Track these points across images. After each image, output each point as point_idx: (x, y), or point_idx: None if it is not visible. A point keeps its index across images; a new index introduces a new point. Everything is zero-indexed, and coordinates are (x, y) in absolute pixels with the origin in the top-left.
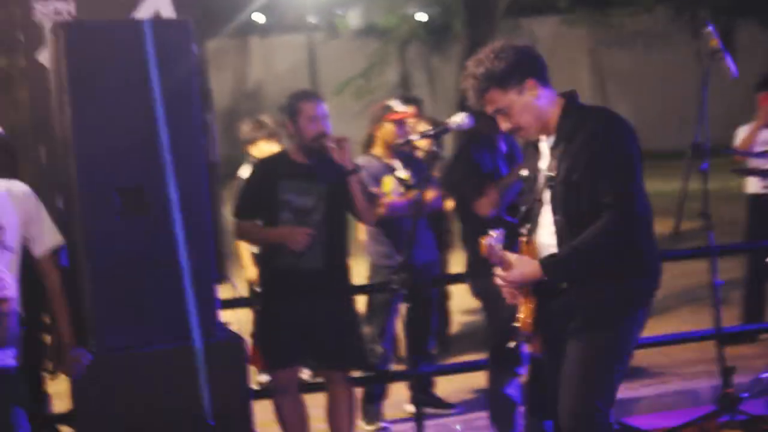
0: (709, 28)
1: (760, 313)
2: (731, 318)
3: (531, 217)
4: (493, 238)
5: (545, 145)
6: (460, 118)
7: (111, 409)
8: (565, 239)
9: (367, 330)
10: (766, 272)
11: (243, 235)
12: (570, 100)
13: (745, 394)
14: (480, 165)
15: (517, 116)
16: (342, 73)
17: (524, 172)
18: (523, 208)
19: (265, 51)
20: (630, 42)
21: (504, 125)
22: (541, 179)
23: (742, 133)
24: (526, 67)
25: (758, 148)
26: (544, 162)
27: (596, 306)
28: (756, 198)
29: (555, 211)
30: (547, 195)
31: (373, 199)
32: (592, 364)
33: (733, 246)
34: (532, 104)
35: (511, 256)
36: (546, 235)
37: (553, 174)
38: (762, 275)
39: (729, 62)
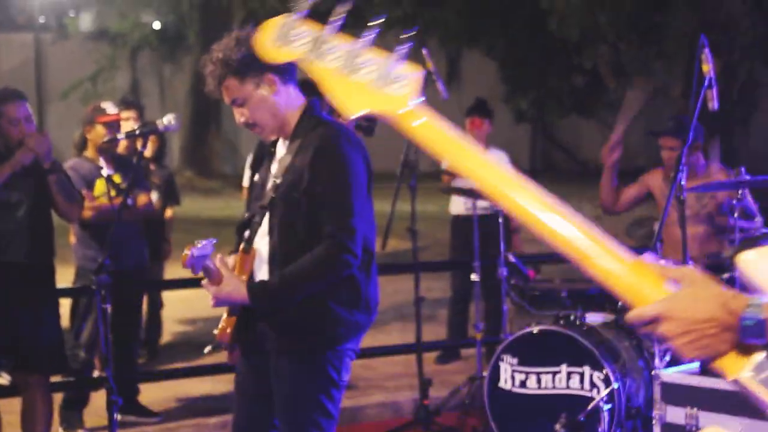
0: (424, 51)
1: (464, 330)
2: (439, 334)
3: (252, 225)
4: (196, 248)
5: (281, 148)
6: (168, 119)
7: None
8: (277, 256)
9: (69, 334)
10: (469, 291)
11: None
12: (309, 106)
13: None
14: None
15: (252, 111)
16: (71, 76)
17: (256, 176)
18: (247, 214)
19: None
20: None
21: (238, 118)
22: (270, 186)
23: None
24: None
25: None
26: (274, 167)
27: (301, 336)
28: (458, 219)
29: (271, 226)
30: (268, 204)
31: (75, 198)
32: (300, 398)
33: (436, 263)
34: (270, 100)
35: (224, 272)
36: (264, 247)
37: (279, 180)
38: (465, 294)
39: (440, 85)
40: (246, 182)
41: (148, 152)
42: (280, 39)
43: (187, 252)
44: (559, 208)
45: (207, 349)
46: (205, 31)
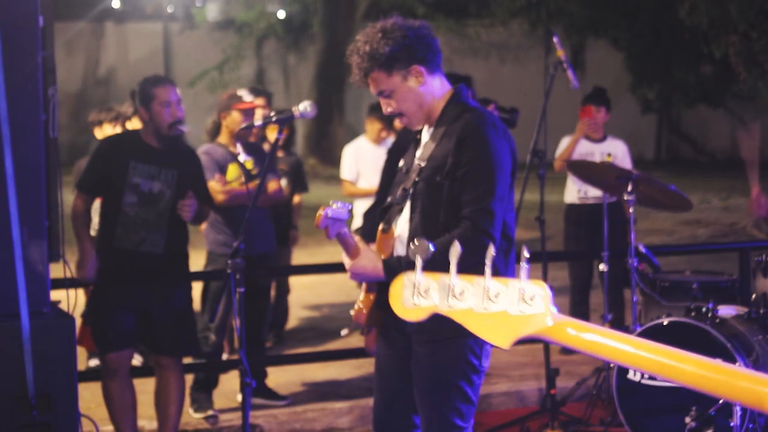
0: (555, 39)
1: (586, 319)
2: None
3: (394, 207)
4: (330, 209)
5: (426, 135)
6: (304, 106)
7: None
8: (417, 240)
9: (201, 318)
10: (588, 281)
11: (76, 215)
12: (455, 93)
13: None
14: None
15: (399, 102)
16: (197, 65)
17: (400, 162)
18: (390, 197)
19: (120, 37)
20: (484, 53)
21: (385, 108)
22: (414, 170)
23: (564, 143)
24: (414, 51)
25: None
26: (419, 152)
27: (441, 321)
28: (571, 207)
29: (413, 208)
30: (412, 187)
31: (203, 217)
32: (441, 384)
33: (563, 253)
34: (416, 91)
35: (361, 245)
36: (403, 229)
37: (423, 164)
38: (585, 283)
39: (571, 74)
40: (347, 175)
41: (272, 134)
42: (413, 299)
43: (321, 212)
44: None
45: (344, 331)
46: (329, 21)
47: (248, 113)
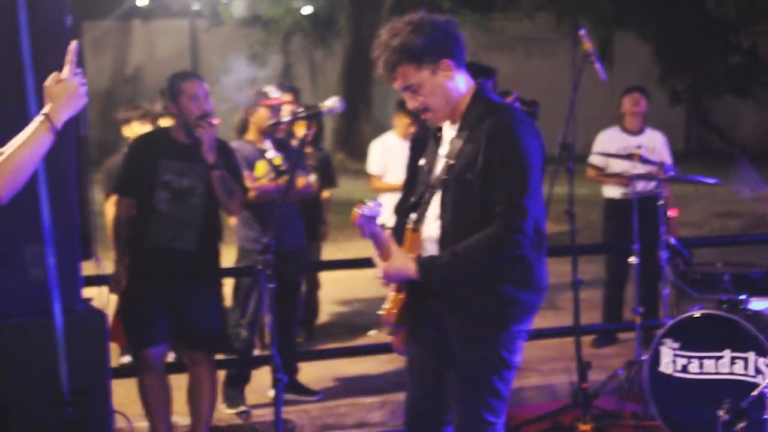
0: (582, 32)
1: (619, 313)
2: (593, 318)
3: (421, 205)
4: (366, 207)
5: (449, 131)
6: (332, 102)
7: None
8: (448, 237)
9: (232, 314)
10: (624, 275)
11: (119, 223)
12: (479, 89)
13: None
14: None
15: (426, 96)
16: (224, 61)
17: (422, 161)
18: (414, 196)
19: (147, 35)
20: (510, 47)
21: (411, 103)
22: (439, 167)
23: (601, 138)
24: (443, 46)
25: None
26: (444, 149)
27: (474, 317)
28: (612, 202)
29: (443, 207)
30: (440, 185)
31: (235, 193)
32: (472, 379)
33: (594, 246)
34: (444, 86)
35: (393, 246)
36: (433, 227)
37: (452, 162)
38: (620, 277)
39: (599, 66)
40: (374, 170)
41: (300, 130)
42: None
43: (357, 210)
44: None
45: (372, 332)
46: (355, 16)
47: (275, 109)
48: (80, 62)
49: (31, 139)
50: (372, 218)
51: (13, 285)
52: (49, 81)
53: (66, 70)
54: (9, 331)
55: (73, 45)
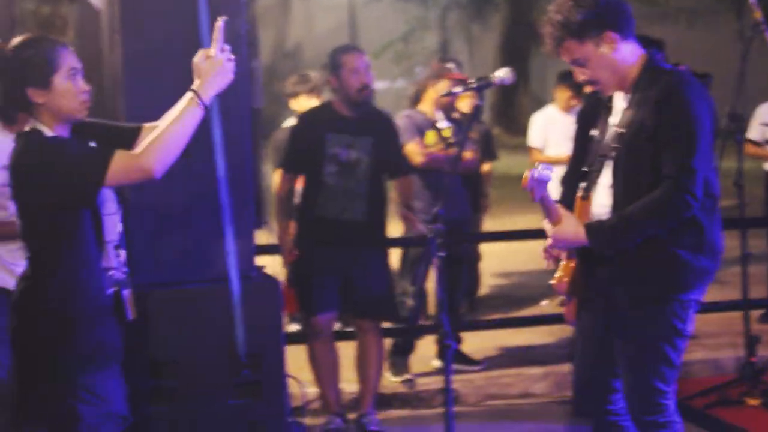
0: (752, 1)
1: None
2: (760, 293)
3: (591, 174)
4: (537, 171)
5: (620, 101)
6: (503, 73)
7: (144, 345)
8: (620, 204)
9: (398, 283)
10: None
11: (280, 199)
12: (649, 58)
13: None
14: None
15: (593, 69)
16: (382, 36)
17: (594, 131)
18: (584, 167)
19: (307, 11)
20: (673, 18)
21: (580, 77)
22: (610, 136)
23: (760, 110)
24: (606, 19)
25: None
26: (615, 119)
27: (646, 284)
28: None
29: (615, 174)
30: (612, 153)
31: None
32: (645, 348)
33: (764, 219)
34: (609, 58)
35: (562, 212)
36: (603, 196)
37: (623, 131)
38: None
39: None
40: (535, 143)
41: (466, 108)
42: None
43: (527, 174)
44: None
45: (544, 302)
46: None
47: (456, 84)
48: (253, 38)
49: (181, 115)
50: (542, 182)
51: (193, 253)
52: (198, 57)
53: (214, 47)
54: (188, 296)
55: (220, 22)
